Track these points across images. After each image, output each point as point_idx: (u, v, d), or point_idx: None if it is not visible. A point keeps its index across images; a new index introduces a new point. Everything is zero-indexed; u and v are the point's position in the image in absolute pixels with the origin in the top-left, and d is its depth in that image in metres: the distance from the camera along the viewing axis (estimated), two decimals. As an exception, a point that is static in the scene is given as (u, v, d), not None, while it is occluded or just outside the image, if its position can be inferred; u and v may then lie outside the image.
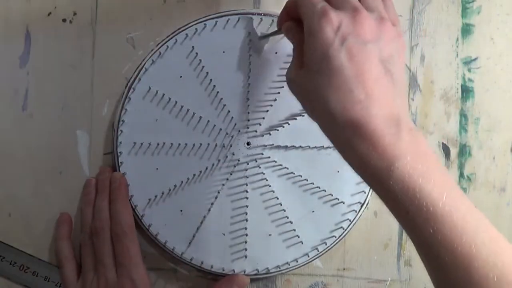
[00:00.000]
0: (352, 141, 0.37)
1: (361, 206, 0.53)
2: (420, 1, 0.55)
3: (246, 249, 0.53)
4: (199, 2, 0.54)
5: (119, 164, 0.52)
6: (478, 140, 0.55)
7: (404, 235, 0.55)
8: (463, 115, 0.55)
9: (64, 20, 0.54)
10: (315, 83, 0.39)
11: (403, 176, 0.36)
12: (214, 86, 0.52)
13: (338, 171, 0.53)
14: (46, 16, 0.54)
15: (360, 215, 0.54)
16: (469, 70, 0.55)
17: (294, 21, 0.44)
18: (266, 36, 0.51)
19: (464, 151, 0.55)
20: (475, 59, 0.55)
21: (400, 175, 0.36)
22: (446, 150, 0.55)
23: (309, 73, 0.39)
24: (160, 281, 0.54)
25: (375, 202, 0.54)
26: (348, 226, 0.53)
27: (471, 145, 0.55)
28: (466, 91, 0.55)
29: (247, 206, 0.52)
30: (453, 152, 0.55)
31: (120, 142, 0.52)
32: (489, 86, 0.55)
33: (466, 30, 0.55)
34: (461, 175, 0.55)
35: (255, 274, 0.53)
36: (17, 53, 0.53)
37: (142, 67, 0.52)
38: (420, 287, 0.55)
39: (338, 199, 0.53)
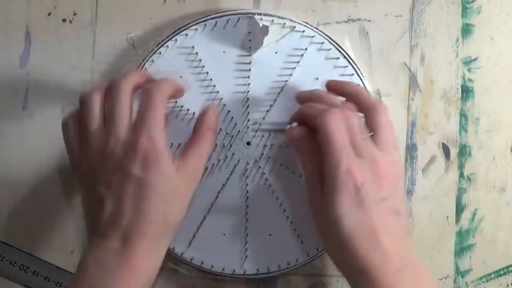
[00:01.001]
0: (360, 282, 0.42)
1: None
2: (420, 1, 0.55)
3: (246, 249, 0.53)
4: (199, 2, 0.54)
5: None
6: (478, 140, 0.55)
7: (404, 235, 0.55)
8: (463, 115, 0.55)
9: (64, 20, 0.54)
10: (333, 232, 0.43)
11: None
12: (214, 86, 0.52)
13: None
14: (46, 16, 0.54)
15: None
16: (469, 70, 0.55)
17: (307, 130, 0.46)
18: (266, 131, 0.52)
19: (464, 151, 0.55)
20: (475, 59, 0.55)
21: None
22: (446, 150, 0.55)
23: (327, 215, 0.43)
24: (160, 281, 0.54)
25: (375, 202, 0.54)
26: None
27: (471, 145, 0.55)
28: (466, 91, 0.55)
29: (247, 206, 0.52)
30: (453, 152, 0.55)
31: None
32: (489, 86, 0.55)
33: (466, 30, 0.55)
34: (461, 175, 0.55)
35: (256, 274, 0.53)
36: (17, 53, 0.53)
37: (142, 67, 0.52)
38: (420, 287, 0.55)
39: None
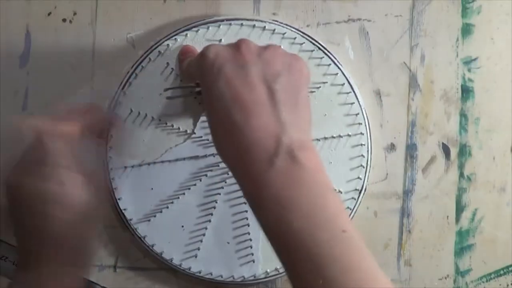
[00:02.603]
0: (235, 164, 0.39)
1: (359, 193, 0.53)
2: (420, 1, 0.55)
3: (252, 254, 0.52)
4: (199, 2, 0.54)
5: (114, 189, 0.52)
6: (478, 140, 0.55)
7: (404, 235, 0.55)
8: (463, 115, 0.55)
9: (64, 20, 0.54)
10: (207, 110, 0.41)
11: (267, 205, 0.37)
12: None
13: (330, 162, 0.52)
14: (46, 16, 0.53)
15: (360, 203, 0.53)
16: (469, 70, 0.55)
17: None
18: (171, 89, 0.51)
19: (464, 151, 0.55)
20: (475, 59, 0.55)
21: (266, 204, 0.37)
22: (446, 150, 0.55)
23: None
24: (160, 281, 0.54)
25: (375, 202, 0.54)
26: (350, 214, 0.52)
27: (471, 145, 0.55)
28: (466, 91, 0.55)
29: (246, 211, 0.52)
30: (453, 152, 0.55)
31: (111, 169, 0.52)
32: (489, 86, 0.55)
33: (466, 30, 0.55)
34: (461, 175, 0.55)
35: (265, 277, 0.52)
36: (17, 53, 0.53)
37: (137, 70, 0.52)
38: (420, 287, 0.55)
39: (335, 189, 0.52)
